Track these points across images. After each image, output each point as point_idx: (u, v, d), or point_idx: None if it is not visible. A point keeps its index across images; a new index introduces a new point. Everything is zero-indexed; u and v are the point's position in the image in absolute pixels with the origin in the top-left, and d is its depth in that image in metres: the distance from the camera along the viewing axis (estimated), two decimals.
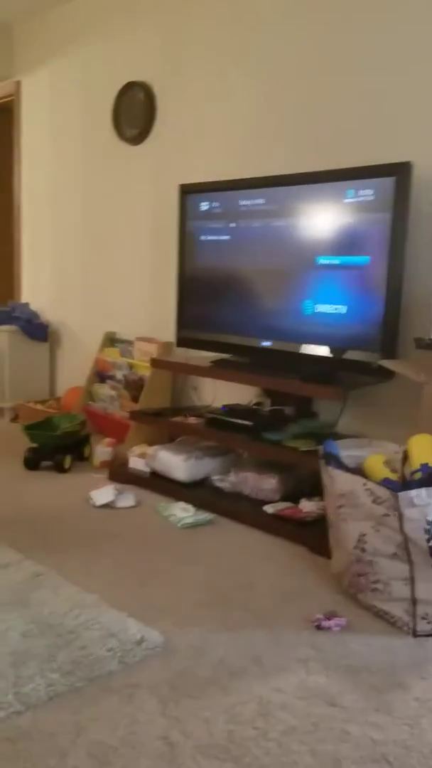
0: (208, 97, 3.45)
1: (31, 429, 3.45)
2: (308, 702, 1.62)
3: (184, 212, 3.22)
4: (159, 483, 3.07)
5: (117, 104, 3.89)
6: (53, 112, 4.40)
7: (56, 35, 4.31)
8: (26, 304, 4.62)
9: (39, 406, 4.15)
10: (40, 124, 4.51)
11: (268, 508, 2.71)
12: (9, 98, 4.68)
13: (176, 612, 2.02)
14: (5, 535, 2.51)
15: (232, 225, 3.03)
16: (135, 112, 3.79)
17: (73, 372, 4.37)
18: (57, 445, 3.37)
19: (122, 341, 3.96)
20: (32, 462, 3.35)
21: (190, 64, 3.51)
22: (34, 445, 3.38)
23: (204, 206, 3.14)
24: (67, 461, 3.34)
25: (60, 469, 3.32)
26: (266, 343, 2.93)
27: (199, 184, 3.17)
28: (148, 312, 3.90)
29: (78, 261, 4.36)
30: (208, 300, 3.16)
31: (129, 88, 3.82)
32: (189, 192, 3.20)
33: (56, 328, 4.58)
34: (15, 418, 4.32)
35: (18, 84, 4.59)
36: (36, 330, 4.49)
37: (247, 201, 2.97)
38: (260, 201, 2.92)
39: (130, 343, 3.88)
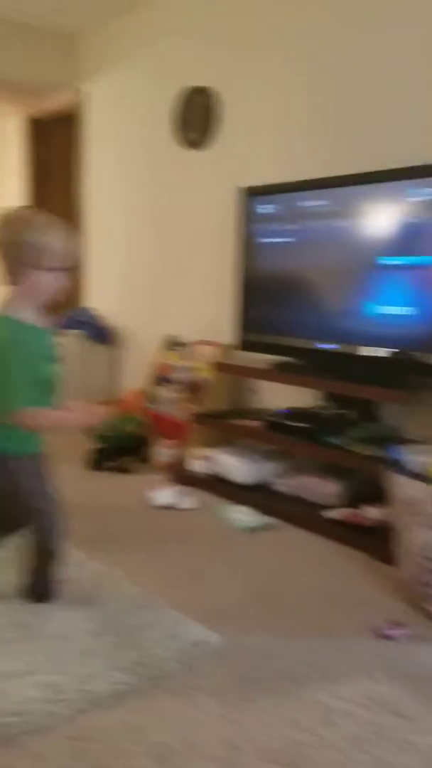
0: (269, 100, 3.44)
1: (94, 430, 3.50)
2: (371, 711, 1.59)
3: (245, 215, 3.22)
4: (218, 485, 3.08)
5: (179, 109, 3.93)
6: (116, 119, 4.48)
7: (119, 43, 4.38)
8: (91, 309, 4.71)
9: (102, 408, 4.21)
10: (104, 131, 4.59)
11: (329, 513, 2.68)
12: (73, 106, 4.78)
13: (236, 615, 2.01)
14: (69, 534, 2.56)
15: (294, 226, 3.02)
16: (196, 117, 3.81)
17: (135, 374, 4.43)
18: (119, 447, 3.42)
19: (182, 344, 3.99)
20: (96, 463, 3.41)
21: (251, 67, 3.51)
22: (98, 446, 3.44)
23: (265, 208, 3.13)
24: (130, 462, 3.39)
25: (122, 469, 3.37)
26: (328, 346, 2.90)
27: (262, 186, 3.16)
28: (209, 315, 3.92)
29: (140, 266, 4.42)
30: (268, 303, 3.15)
31: (191, 92, 3.84)
32: (251, 194, 3.19)
33: (120, 331, 4.65)
34: None
35: (82, 92, 4.69)
36: (100, 334, 4.57)
37: (309, 202, 2.95)
38: (322, 202, 2.89)
39: (190, 346, 3.91)
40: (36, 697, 1.56)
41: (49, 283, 1.89)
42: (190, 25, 3.84)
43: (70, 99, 4.79)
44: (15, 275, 1.85)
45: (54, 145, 5.32)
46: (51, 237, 1.84)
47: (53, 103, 4.98)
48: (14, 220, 1.89)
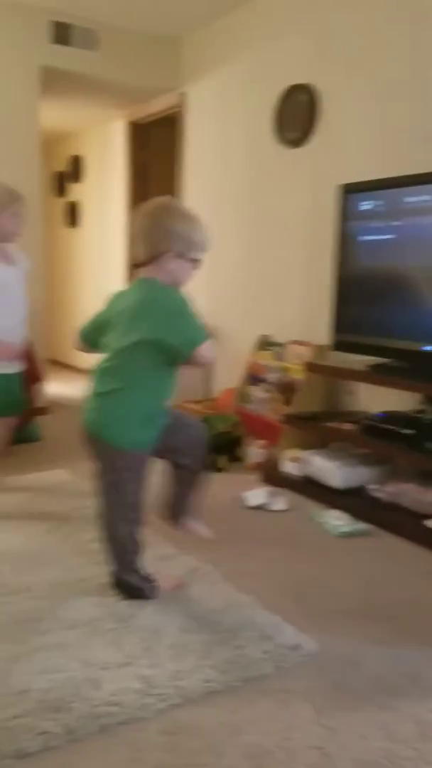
0: (369, 95, 3.37)
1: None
2: None
3: (343, 212, 3.17)
4: (311, 488, 3.04)
5: (279, 108, 3.91)
6: (216, 121, 4.51)
7: (220, 45, 4.41)
8: None
9: (195, 406, 4.26)
10: (204, 134, 4.63)
11: (430, 523, 2.58)
12: (175, 110, 4.86)
13: (332, 621, 1.98)
14: (163, 530, 2.59)
15: (395, 223, 2.93)
16: (297, 115, 3.78)
17: (228, 374, 4.44)
18: (212, 445, 3.43)
19: (276, 344, 3.97)
20: None
21: (352, 63, 3.44)
22: None
23: (365, 205, 3.06)
24: (222, 461, 3.40)
25: (215, 468, 3.38)
26: (430, 347, 2.80)
27: (362, 183, 3.10)
28: (303, 315, 3.88)
29: (235, 265, 4.43)
30: (366, 302, 3.08)
31: (292, 91, 3.82)
32: (351, 191, 3.13)
33: (213, 330, 4.68)
34: None
35: (183, 95, 4.75)
36: None
37: (412, 198, 2.86)
38: (425, 197, 2.80)
39: (283, 346, 3.88)
40: (131, 689, 1.58)
41: (186, 272, 2.01)
42: (290, 23, 3.82)
43: (170, 102, 4.87)
44: (153, 259, 1.97)
45: (153, 148, 5.42)
46: (197, 230, 1.98)
47: (154, 106, 5.07)
48: (164, 208, 2.02)
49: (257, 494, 2.94)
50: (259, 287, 4.23)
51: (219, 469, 3.39)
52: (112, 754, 1.41)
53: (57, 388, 5.40)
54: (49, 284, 5.39)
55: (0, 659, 1.69)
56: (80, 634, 1.81)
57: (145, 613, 1.93)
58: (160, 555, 2.32)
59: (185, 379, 4.68)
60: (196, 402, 4.38)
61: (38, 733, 1.43)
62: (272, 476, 3.22)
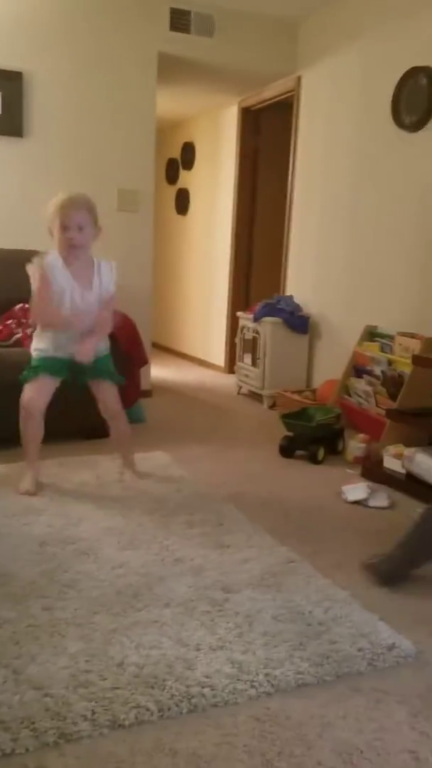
0: None
1: (287, 418, 3.52)
2: None
3: None
4: (415, 486, 2.95)
5: (397, 91, 3.78)
6: (331, 106, 4.42)
7: (337, 28, 4.31)
8: (290, 297, 4.73)
9: (296, 396, 4.23)
10: (317, 119, 4.56)
11: None
12: (290, 94, 4.80)
13: (429, 623, 1.91)
14: (260, 518, 2.60)
15: None
16: (416, 98, 3.65)
17: (330, 364, 4.38)
18: (311, 436, 3.40)
19: (383, 335, 3.87)
20: (287, 450, 3.43)
21: None
22: (290, 433, 3.45)
23: None
24: (321, 453, 3.36)
25: (313, 459, 3.35)
26: None
27: None
28: (413, 306, 3.75)
29: (343, 253, 4.35)
30: None
31: (412, 73, 3.68)
32: None
33: (317, 320, 4.62)
34: (273, 406, 4.46)
35: (299, 79, 4.69)
36: (297, 322, 4.58)
37: None
38: None
39: (391, 337, 3.77)
40: (223, 672, 1.59)
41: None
42: (410, 4, 3.67)
43: (285, 87, 4.82)
44: None
45: (265, 134, 5.40)
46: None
47: (268, 92, 5.03)
48: None
49: (357, 489, 2.89)
50: (367, 276, 4.13)
51: (318, 461, 3.35)
52: (202, 734, 1.43)
53: (161, 372, 5.52)
54: (157, 271, 5.49)
55: (100, 630, 1.75)
56: (175, 614, 1.84)
57: (239, 599, 1.94)
58: (255, 544, 2.32)
59: (286, 368, 4.69)
60: (297, 392, 4.34)
61: (133, 707, 1.46)
62: (373, 472, 3.15)
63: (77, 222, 2.61)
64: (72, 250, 2.65)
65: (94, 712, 1.44)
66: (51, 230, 2.65)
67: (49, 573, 2.05)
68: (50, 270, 2.64)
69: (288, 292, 4.88)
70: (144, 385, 4.41)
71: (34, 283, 2.67)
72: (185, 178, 6.48)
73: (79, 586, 1.98)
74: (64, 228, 2.60)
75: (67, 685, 1.52)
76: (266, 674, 1.60)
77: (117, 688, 1.52)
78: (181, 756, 1.37)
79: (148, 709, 1.47)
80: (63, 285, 2.66)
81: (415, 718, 1.52)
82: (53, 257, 2.66)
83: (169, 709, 1.48)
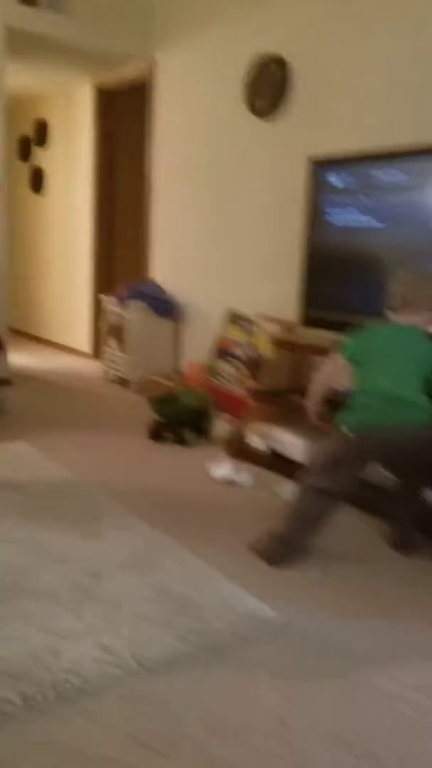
0: (343, 66, 3.33)
1: (156, 402, 3.52)
2: (428, 696, 1.55)
3: (314, 186, 3.14)
4: (277, 462, 3.05)
5: (250, 78, 3.85)
6: (185, 89, 4.43)
7: (193, 10, 4.31)
8: (154, 282, 4.72)
9: (163, 381, 4.24)
10: (173, 101, 4.55)
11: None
12: (144, 77, 4.75)
13: (293, 591, 1.99)
14: (128, 501, 2.59)
15: (367, 200, 2.92)
16: (268, 85, 3.73)
17: (197, 348, 4.42)
18: (179, 419, 3.42)
19: (245, 319, 3.95)
20: (156, 434, 3.43)
21: (325, 33, 3.40)
22: (159, 417, 3.46)
23: (335, 180, 3.05)
24: (189, 435, 3.39)
25: (182, 442, 3.38)
26: None
27: (333, 157, 3.08)
28: (272, 290, 3.87)
29: (204, 239, 4.39)
30: (335, 278, 3.07)
31: (263, 61, 3.76)
32: (322, 165, 3.11)
33: (182, 304, 4.64)
34: (141, 391, 4.44)
35: (153, 62, 4.65)
36: (163, 307, 4.58)
37: (384, 174, 2.85)
38: (398, 173, 2.79)
39: (251, 321, 3.87)
40: (91, 658, 1.58)
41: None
42: None
43: (140, 69, 4.76)
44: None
45: (122, 116, 5.31)
46: None
47: (123, 73, 4.96)
48: None
49: (223, 468, 2.94)
50: (228, 261, 4.20)
51: (186, 443, 3.38)
52: (70, 722, 1.41)
53: (21, 359, 5.33)
54: (13, 251, 5.28)
55: None
56: (41, 604, 1.79)
57: (107, 584, 1.92)
58: (124, 528, 2.31)
59: (153, 352, 4.68)
60: (164, 376, 4.35)
61: None
62: (238, 451, 3.22)
63: None
64: None
65: None
66: None
67: None
68: None
69: (153, 276, 4.87)
70: (1, 373, 4.24)
71: None
72: (39, 156, 6.25)
73: None
74: None
75: None
76: (134, 655, 1.60)
77: None
78: (50, 746, 1.34)
79: (11, 702, 1.42)
80: None
81: (281, 683, 1.58)
82: None
83: (34, 699, 1.44)
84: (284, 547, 2.16)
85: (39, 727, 1.39)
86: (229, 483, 2.88)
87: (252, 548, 2.20)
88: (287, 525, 2.18)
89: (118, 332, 4.72)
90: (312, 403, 2.44)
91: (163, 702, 1.48)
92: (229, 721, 1.44)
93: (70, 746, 1.34)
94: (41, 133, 6.14)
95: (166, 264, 4.79)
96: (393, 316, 2.29)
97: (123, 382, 4.72)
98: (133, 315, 4.55)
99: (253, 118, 3.87)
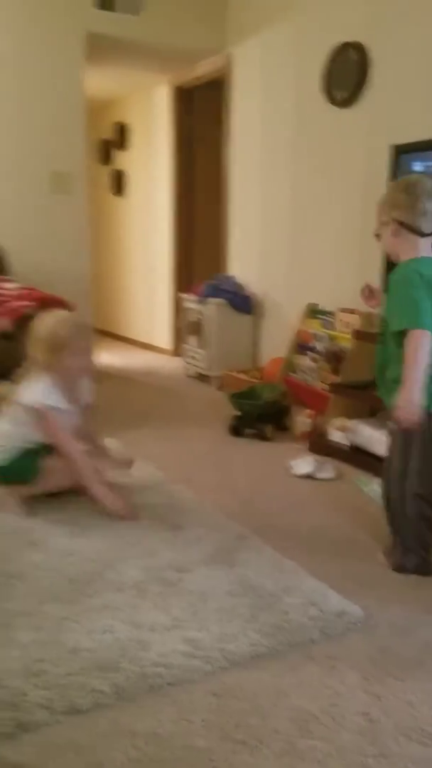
0: (423, 51, 3.23)
1: (235, 397, 3.54)
2: None
3: (397, 175, 3.07)
4: (358, 457, 3.01)
5: (328, 67, 3.80)
6: (263, 83, 4.41)
7: (266, 3, 4.29)
8: (232, 277, 4.73)
9: (243, 376, 4.25)
10: (250, 95, 4.54)
11: None
12: (220, 72, 4.76)
13: (378, 588, 1.97)
14: (210, 496, 2.61)
15: None
16: (346, 74, 3.67)
17: (276, 342, 4.41)
18: (260, 414, 3.43)
19: (324, 312, 3.91)
20: (236, 429, 3.45)
21: (404, 20, 3.31)
22: (239, 413, 3.48)
23: (419, 168, 2.96)
24: (269, 430, 3.39)
25: (262, 437, 3.38)
26: None
27: (415, 143, 2.99)
28: (352, 283, 3.80)
29: (282, 231, 4.37)
30: None
31: (340, 49, 3.70)
32: (403, 152, 3.03)
33: (260, 299, 4.64)
34: (221, 387, 4.47)
35: (229, 57, 4.65)
36: (241, 302, 4.59)
37: None
38: None
39: (331, 314, 3.82)
40: (178, 651, 1.61)
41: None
42: None
43: (216, 65, 4.78)
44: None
45: (199, 113, 5.35)
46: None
47: (199, 70, 4.99)
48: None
49: (305, 463, 2.93)
50: (308, 254, 4.17)
51: (266, 438, 3.38)
52: (160, 713, 1.44)
53: (106, 358, 5.46)
54: (95, 253, 5.41)
55: (51, 618, 1.74)
56: (128, 597, 1.84)
57: (192, 577, 1.95)
58: (206, 523, 2.34)
59: (232, 348, 4.70)
60: (244, 371, 4.37)
61: (89, 691, 1.46)
62: (319, 445, 3.20)
63: None
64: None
65: (50, 700, 1.43)
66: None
67: None
68: None
69: (230, 272, 4.88)
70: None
71: None
72: (120, 159, 6.39)
73: (28, 576, 1.95)
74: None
75: (21, 675, 1.51)
76: (221, 649, 1.62)
77: (71, 674, 1.51)
78: (141, 736, 1.37)
79: (104, 693, 1.47)
80: None
81: (367, 681, 1.56)
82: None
83: (125, 691, 1.48)
84: (410, 555, 2.07)
85: (129, 717, 1.43)
86: (311, 478, 2.87)
87: (385, 561, 2.12)
88: (400, 535, 2.09)
89: (197, 329, 4.77)
90: (415, 401, 1.88)
91: (251, 696, 1.50)
92: (315, 716, 1.44)
93: (159, 736, 1.37)
94: (121, 136, 6.27)
95: (244, 259, 4.79)
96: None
97: (203, 378, 4.77)
98: (212, 311, 4.59)
99: (332, 107, 3.82)
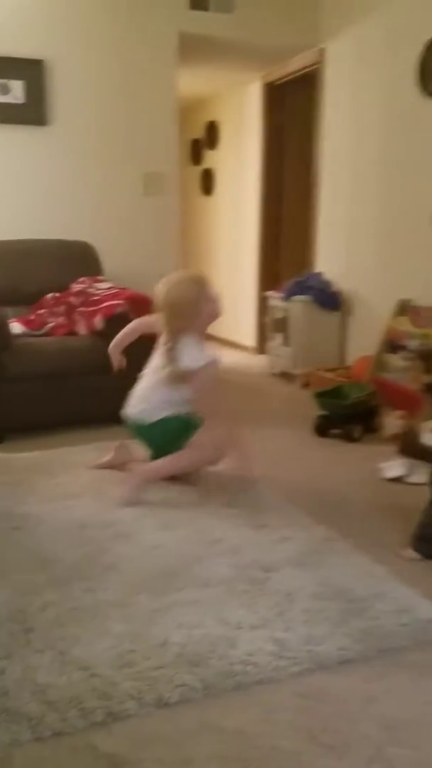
0: None
1: (321, 396, 3.50)
2: None
3: None
4: None
5: (423, 60, 3.69)
6: (356, 77, 4.33)
7: None
8: (319, 274, 4.68)
9: (329, 374, 4.20)
10: (343, 91, 4.47)
11: None
12: (314, 66, 4.71)
13: None
14: (297, 499, 2.59)
15: None
16: None
17: (364, 340, 4.33)
18: (346, 414, 3.37)
19: (417, 310, 3.80)
20: (322, 429, 3.41)
21: None
22: (324, 412, 3.43)
23: None
24: (357, 431, 3.33)
25: (349, 438, 3.33)
26: None
27: None
28: None
29: (372, 227, 4.28)
30: None
31: None
32: None
33: (349, 296, 4.56)
34: (306, 385, 4.43)
35: (322, 52, 4.60)
36: (328, 299, 4.53)
37: None
38: None
39: (424, 311, 3.71)
40: (265, 650, 1.60)
41: None
42: None
43: (308, 60, 4.73)
44: None
45: (290, 109, 5.32)
46: None
47: (291, 65, 4.95)
48: None
49: (395, 466, 2.86)
50: (398, 249, 4.07)
51: (354, 440, 3.32)
52: (247, 711, 1.44)
53: None
54: (182, 252, 5.47)
55: (142, 610, 1.77)
56: (215, 593, 1.85)
57: (278, 577, 1.94)
58: (292, 524, 2.32)
59: (318, 346, 4.65)
60: (330, 370, 4.31)
61: (178, 685, 1.48)
62: (411, 448, 3.11)
63: None
64: None
65: (139, 692, 1.46)
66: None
67: (90, 556, 2.08)
68: None
69: (318, 269, 4.83)
70: None
71: None
72: (210, 158, 6.43)
73: (120, 567, 2.00)
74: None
75: (113, 665, 1.55)
76: (308, 651, 1.61)
77: (161, 667, 1.54)
78: (228, 732, 1.38)
79: (192, 688, 1.48)
80: None
81: None
82: None
83: (213, 687, 1.49)
84: None
85: (216, 713, 1.44)
86: (402, 482, 2.80)
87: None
88: None
89: (282, 326, 4.74)
90: None
91: (339, 700, 1.48)
92: (405, 724, 1.41)
93: (245, 734, 1.38)
94: (211, 135, 6.31)
95: (333, 256, 4.73)
96: None
97: (287, 377, 4.74)
98: (297, 308, 4.55)
99: (427, 100, 3.71)
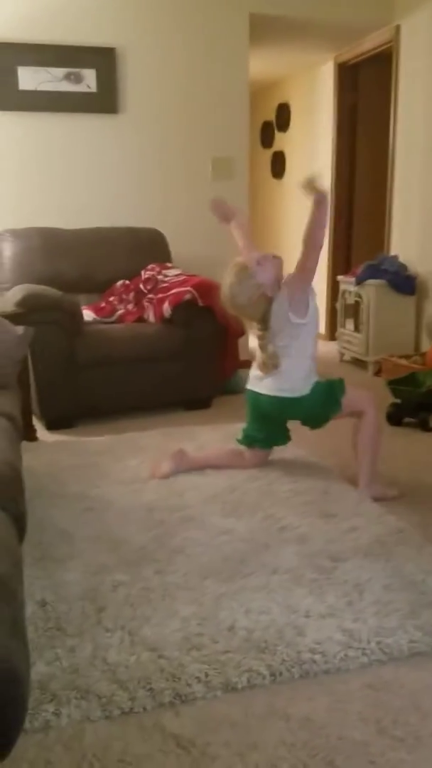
0: None
1: (394, 384, 3.42)
2: None
3: None
4: None
5: None
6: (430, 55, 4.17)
7: None
8: (394, 257, 4.56)
9: (403, 361, 4.09)
10: (419, 68, 4.32)
11: None
12: (388, 45, 4.57)
13: None
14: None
15: None
16: None
17: None
18: (421, 402, 3.29)
19: None
20: (395, 418, 3.33)
21: None
22: (397, 400, 3.35)
23: None
24: (431, 419, 3.24)
25: (423, 426, 3.24)
26: None
27: None
28: None
29: None
30: None
31: None
32: None
33: (425, 279, 4.43)
34: (378, 373, 4.34)
35: (398, 28, 4.45)
36: (403, 283, 4.41)
37: None
38: None
39: None
40: (334, 640, 1.59)
41: None
42: None
43: (383, 38, 4.59)
44: None
45: (363, 89, 5.19)
46: None
47: (365, 44, 4.82)
48: None
49: None
50: None
51: (429, 429, 3.23)
52: (315, 700, 1.43)
53: (253, 341, 5.48)
54: (253, 238, 5.43)
55: (210, 594, 1.78)
56: (282, 580, 1.85)
57: (347, 567, 1.92)
58: (361, 513, 2.29)
59: (392, 332, 4.55)
60: (404, 357, 4.20)
61: (245, 671, 1.49)
62: None
63: None
64: None
65: (207, 675, 1.47)
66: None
67: (159, 538, 2.10)
68: None
69: (393, 252, 4.70)
70: (242, 356, 4.40)
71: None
72: (281, 141, 6.35)
73: (188, 551, 2.02)
74: None
75: (181, 647, 1.56)
76: (378, 642, 1.58)
77: (228, 651, 1.55)
78: (295, 720, 1.37)
79: (260, 674, 1.48)
80: None
81: None
82: None
83: (280, 674, 1.49)
84: None
85: (283, 700, 1.43)
86: None
87: None
88: None
89: (354, 312, 4.65)
90: None
91: (410, 693, 1.45)
92: None
93: (313, 723, 1.37)
94: (283, 117, 6.22)
95: (408, 239, 4.59)
96: None
97: (359, 363, 4.65)
98: (371, 293, 4.45)
99: None
